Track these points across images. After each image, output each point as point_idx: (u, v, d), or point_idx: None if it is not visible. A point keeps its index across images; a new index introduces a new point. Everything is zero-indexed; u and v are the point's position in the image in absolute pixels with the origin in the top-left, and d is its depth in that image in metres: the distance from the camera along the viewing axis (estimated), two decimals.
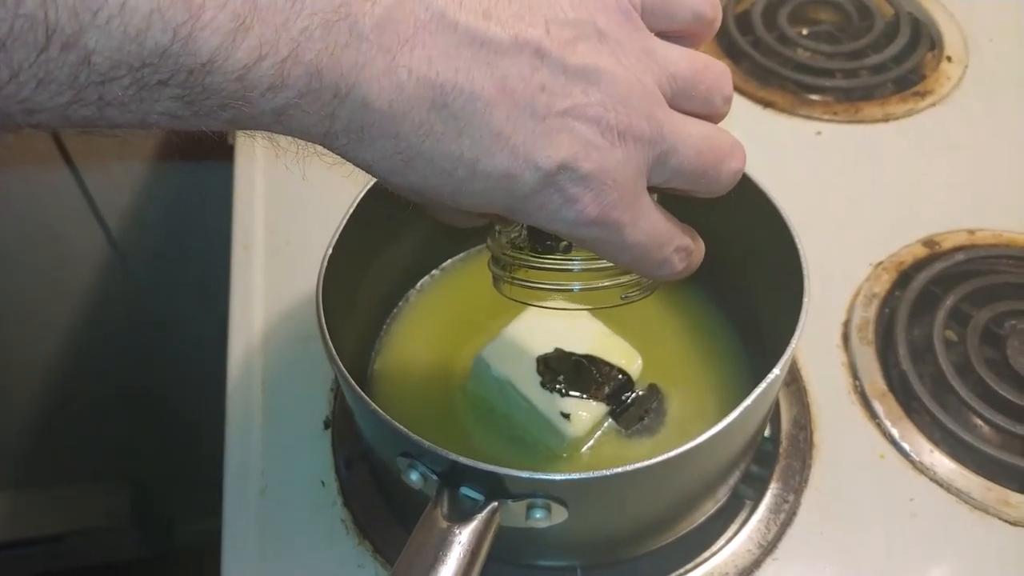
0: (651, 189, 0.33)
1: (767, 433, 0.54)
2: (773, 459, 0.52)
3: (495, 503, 0.38)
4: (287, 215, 0.65)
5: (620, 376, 0.51)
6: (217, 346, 0.61)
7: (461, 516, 0.38)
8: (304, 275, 0.60)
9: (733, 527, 0.50)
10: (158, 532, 1.35)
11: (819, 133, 0.71)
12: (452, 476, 0.39)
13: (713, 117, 0.33)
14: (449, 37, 0.27)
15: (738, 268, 0.53)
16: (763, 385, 0.40)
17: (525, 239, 0.39)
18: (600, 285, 0.38)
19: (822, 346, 0.57)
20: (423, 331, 0.56)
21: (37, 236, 0.95)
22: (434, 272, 0.59)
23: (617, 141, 0.30)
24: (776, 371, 0.41)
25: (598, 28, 0.30)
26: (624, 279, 0.38)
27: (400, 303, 0.57)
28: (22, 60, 0.23)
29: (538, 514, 0.39)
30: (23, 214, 0.93)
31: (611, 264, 0.37)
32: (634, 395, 0.52)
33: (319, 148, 0.29)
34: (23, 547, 1.25)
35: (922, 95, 0.73)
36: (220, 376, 0.56)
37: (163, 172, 0.91)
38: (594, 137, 0.29)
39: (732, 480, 0.49)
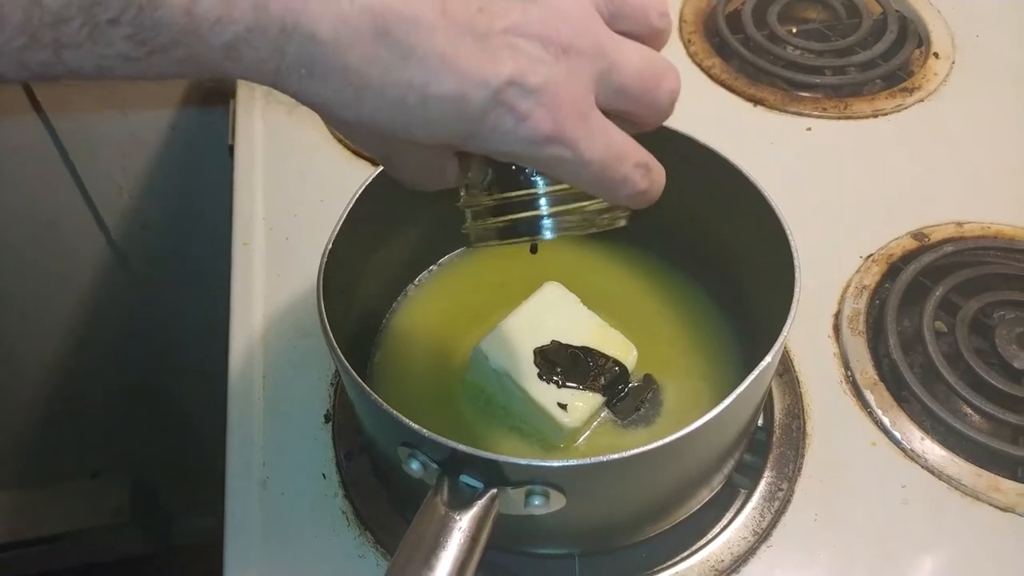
0: None
1: (760, 423, 0.55)
2: (767, 448, 0.53)
3: (494, 490, 0.39)
4: (286, 212, 0.65)
5: (616, 367, 0.52)
6: (216, 343, 0.61)
7: (461, 503, 0.39)
8: (303, 271, 0.61)
9: (728, 515, 0.51)
10: (158, 528, 1.35)
11: (809, 129, 0.72)
12: (452, 464, 0.40)
13: (652, 36, 0.34)
14: None
15: (731, 261, 0.54)
16: (755, 372, 0.41)
17: (491, 181, 0.39)
18: (568, 208, 0.38)
19: (814, 337, 0.58)
20: (422, 325, 0.57)
21: (37, 235, 0.95)
22: (432, 267, 0.59)
23: (561, 55, 0.30)
24: (768, 359, 0.41)
25: None
26: (592, 204, 0.38)
27: (399, 298, 0.58)
28: None
29: (536, 501, 0.40)
30: (23, 214, 0.93)
31: (578, 193, 0.37)
32: (630, 386, 0.52)
33: (277, 95, 0.30)
34: (25, 547, 1.25)
35: (910, 91, 0.74)
36: (219, 373, 0.57)
37: (162, 171, 0.91)
38: (538, 52, 0.30)
39: (727, 469, 0.50)
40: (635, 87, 0.33)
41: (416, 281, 0.59)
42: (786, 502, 0.51)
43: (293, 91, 0.29)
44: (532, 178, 0.37)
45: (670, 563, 0.49)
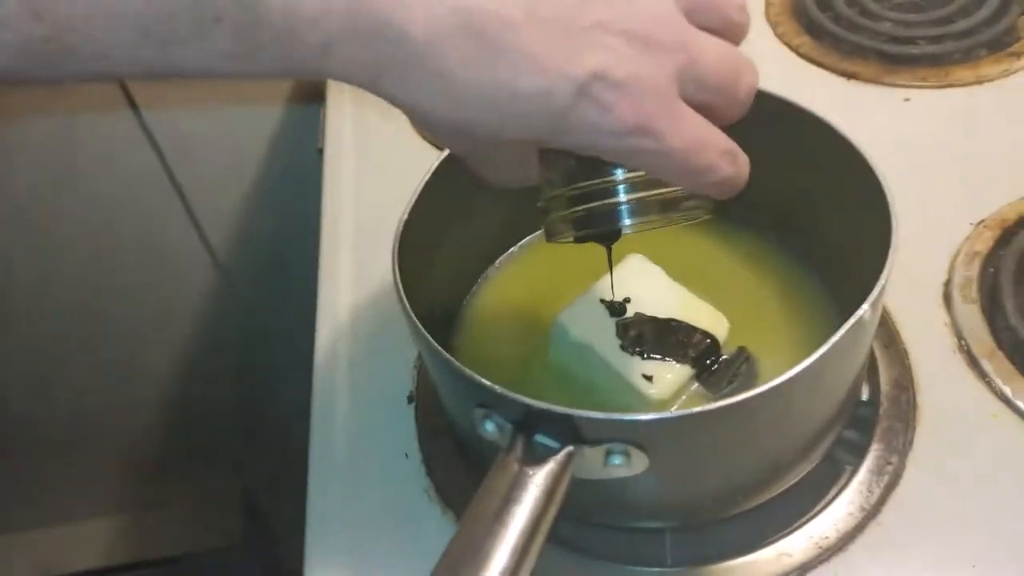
0: None
1: (864, 396, 0.51)
2: (872, 422, 0.49)
3: (571, 447, 0.37)
4: (374, 207, 0.66)
5: (706, 340, 0.49)
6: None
7: (536, 460, 0.37)
8: (388, 263, 0.61)
9: (832, 490, 0.47)
10: (270, 550, 1.37)
11: (907, 100, 0.68)
12: (526, 423, 0.38)
13: (730, 30, 0.34)
14: None
15: (826, 229, 0.51)
16: (854, 318, 0.38)
17: (573, 175, 0.38)
18: (647, 195, 0.36)
19: (922, 307, 0.54)
20: (502, 307, 0.56)
21: (145, 259, 0.99)
22: (513, 249, 0.58)
23: (644, 49, 0.31)
24: (866, 306, 0.38)
25: None
26: (675, 194, 0.37)
27: (479, 280, 0.57)
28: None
29: (616, 460, 0.38)
30: (132, 239, 0.98)
31: (658, 180, 0.36)
32: (721, 359, 0.50)
33: (366, 96, 0.31)
34: (141, 569, 1.29)
35: (1018, 56, 0.70)
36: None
37: (260, 185, 0.94)
38: (622, 47, 0.30)
39: (827, 440, 0.47)
40: (714, 80, 0.33)
41: (496, 263, 0.58)
42: (897, 477, 0.47)
43: (385, 92, 0.31)
44: (614, 172, 0.37)
45: (770, 540, 0.45)
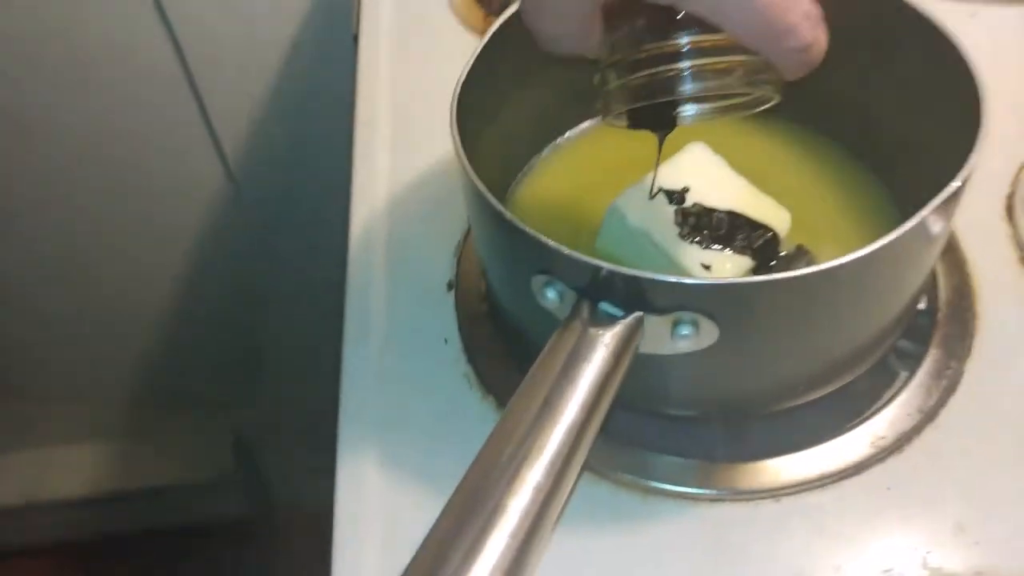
0: None
1: (922, 305, 0.49)
2: (930, 329, 0.48)
3: (639, 312, 0.36)
4: (410, 95, 0.63)
5: (767, 234, 0.47)
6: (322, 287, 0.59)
7: (602, 324, 0.35)
8: (426, 149, 0.59)
9: (888, 392, 0.45)
10: (260, 489, 1.34)
11: (974, 15, 0.65)
12: (592, 289, 0.37)
13: None
14: None
15: (897, 128, 0.49)
16: (940, 197, 0.36)
17: (638, 36, 0.35)
18: (717, 63, 0.34)
19: (983, 218, 0.52)
20: (547, 198, 0.54)
21: (155, 158, 0.96)
22: (559, 140, 0.56)
23: None
24: (956, 183, 0.37)
25: None
26: (745, 62, 0.34)
27: (523, 168, 0.55)
28: None
29: (685, 330, 0.36)
30: (148, 141, 0.94)
31: (725, 42, 0.34)
32: (781, 255, 0.48)
33: None
34: (127, 500, 1.25)
35: None
36: (329, 330, 0.55)
37: (282, 96, 0.91)
38: None
39: (887, 341, 0.45)
40: None
41: (543, 153, 0.56)
42: (955, 382, 0.45)
43: None
44: (682, 36, 0.34)
45: (823, 437, 0.44)
